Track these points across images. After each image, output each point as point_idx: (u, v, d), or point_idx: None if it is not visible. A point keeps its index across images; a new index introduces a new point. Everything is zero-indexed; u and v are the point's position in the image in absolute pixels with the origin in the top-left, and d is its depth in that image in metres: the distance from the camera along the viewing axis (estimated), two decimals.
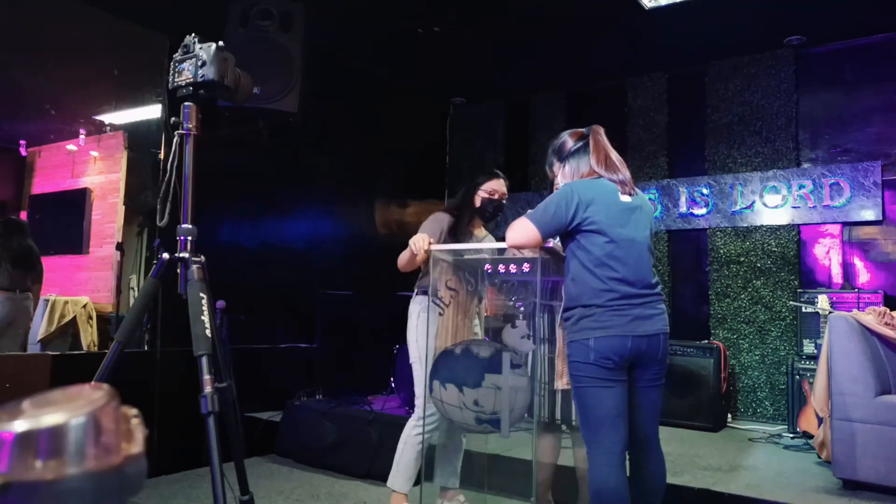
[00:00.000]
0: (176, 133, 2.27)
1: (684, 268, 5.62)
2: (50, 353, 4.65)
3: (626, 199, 2.33)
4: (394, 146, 6.10)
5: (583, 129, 2.50)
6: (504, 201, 3.20)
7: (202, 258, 2.22)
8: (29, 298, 4.91)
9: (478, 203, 3.14)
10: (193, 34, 2.30)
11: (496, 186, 3.16)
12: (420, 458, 3.00)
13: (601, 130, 2.45)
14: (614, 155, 2.41)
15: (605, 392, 2.19)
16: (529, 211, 2.37)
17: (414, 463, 3.02)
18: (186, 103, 2.28)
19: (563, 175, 2.48)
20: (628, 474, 2.28)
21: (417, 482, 3.48)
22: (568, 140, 2.50)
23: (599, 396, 2.19)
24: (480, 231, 3.25)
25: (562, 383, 2.51)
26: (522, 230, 2.30)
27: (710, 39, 5.18)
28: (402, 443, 3.05)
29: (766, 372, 5.14)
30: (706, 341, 5.04)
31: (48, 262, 5.32)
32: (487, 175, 3.19)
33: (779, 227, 5.19)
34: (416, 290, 3.15)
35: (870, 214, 4.87)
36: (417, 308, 3.10)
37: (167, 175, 2.25)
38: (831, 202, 5.00)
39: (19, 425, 0.53)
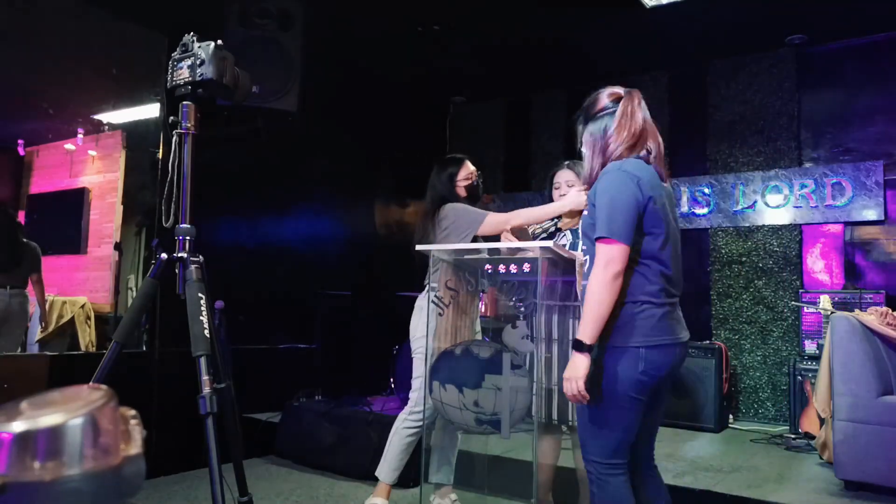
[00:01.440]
0: (174, 132, 2.25)
1: (685, 268, 5.58)
2: (48, 353, 4.63)
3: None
4: (394, 146, 6.09)
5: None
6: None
7: (200, 258, 2.21)
8: (22, 295, 4.82)
9: (464, 193, 3.20)
10: (192, 33, 2.29)
11: (471, 168, 3.24)
12: (408, 450, 3.07)
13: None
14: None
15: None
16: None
17: (401, 454, 3.08)
18: (185, 102, 2.27)
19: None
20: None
21: (408, 483, 3.47)
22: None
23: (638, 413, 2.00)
24: None
25: None
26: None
27: (711, 38, 5.17)
28: (392, 433, 3.12)
29: (767, 372, 5.13)
30: (707, 342, 5.03)
31: (46, 262, 5.29)
32: (454, 164, 3.24)
33: (780, 227, 5.18)
34: (427, 287, 3.15)
35: (872, 214, 4.87)
36: (426, 304, 3.10)
37: (170, 175, 2.23)
38: (833, 202, 4.99)
39: (17, 426, 0.53)
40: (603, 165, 2.06)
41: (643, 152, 2.06)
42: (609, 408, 1.95)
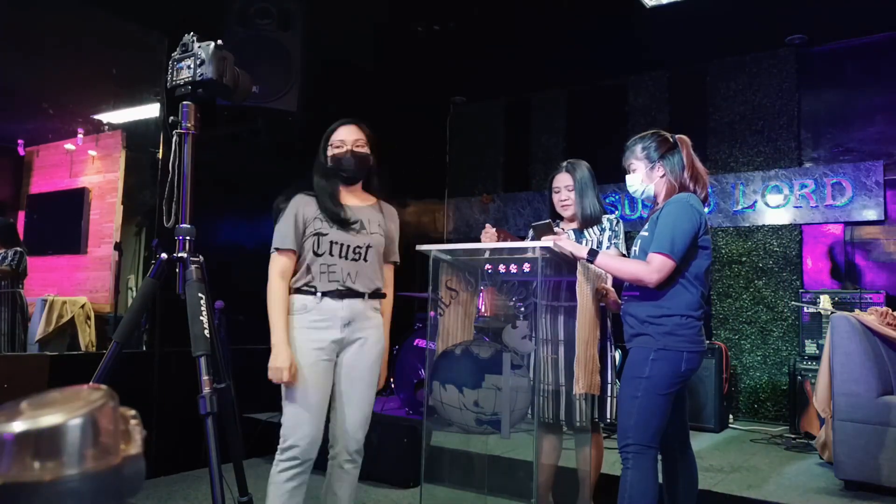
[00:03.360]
0: (174, 132, 2.25)
1: None
2: (48, 353, 4.63)
3: None
4: (394, 146, 6.08)
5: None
6: (361, 151, 2.58)
7: (200, 258, 2.20)
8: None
9: (329, 163, 2.54)
10: (192, 33, 2.28)
11: (344, 136, 2.56)
12: (290, 500, 2.32)
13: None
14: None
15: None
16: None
17: None
18: (185, 102, 2.26)
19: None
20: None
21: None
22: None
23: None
24: (352, 199, 2.60)
25: (578, 388, 2.49)
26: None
27: (711, 38, 5.17)
28: (269, 484, 2.36)
29: (767, 372, 5.13)
30: (708, 342, 5.02)
31: (46, 262, 5.29)
32: (335, 125, 2.58)
33: (781, 227, 5.18)
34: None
35: (872, 214, 4.87)
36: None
37: (171, 175, 2.23)
38: (833, 202, 4.99)
39: (17, 426, 0.53)
40: (670, 194, 2.42)
41: (699, 191, 2.44)
42: (656, 399, 2.29)
